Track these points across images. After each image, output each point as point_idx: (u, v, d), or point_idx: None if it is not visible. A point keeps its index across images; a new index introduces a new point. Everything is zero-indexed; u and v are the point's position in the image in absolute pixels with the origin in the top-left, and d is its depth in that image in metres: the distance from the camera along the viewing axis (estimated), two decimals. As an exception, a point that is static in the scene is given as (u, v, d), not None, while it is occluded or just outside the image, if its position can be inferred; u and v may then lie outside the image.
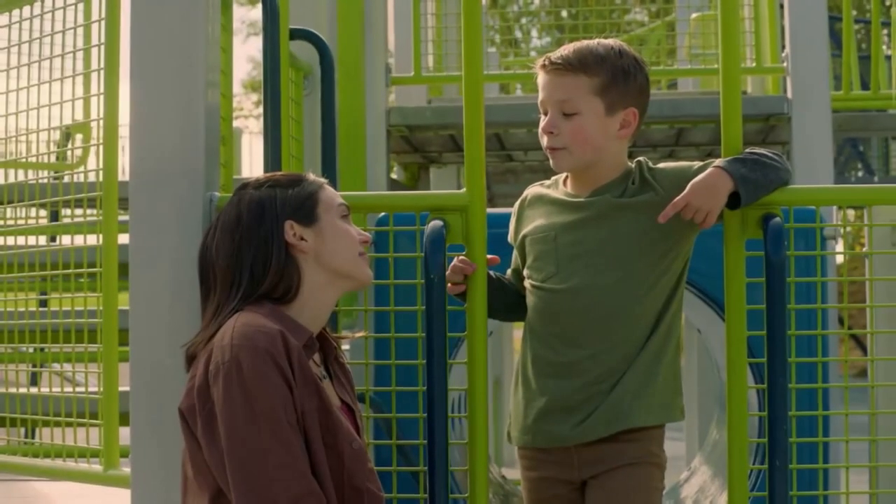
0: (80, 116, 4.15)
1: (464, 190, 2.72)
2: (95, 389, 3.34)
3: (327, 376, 2.58)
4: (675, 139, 6.91)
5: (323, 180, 2.62)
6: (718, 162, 2.59)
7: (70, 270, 3.48)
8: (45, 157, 5.93)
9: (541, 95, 2.67)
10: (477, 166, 2.68)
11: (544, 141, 2.66)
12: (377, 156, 5.89)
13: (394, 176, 7.20)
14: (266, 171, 3.62)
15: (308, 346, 2.47)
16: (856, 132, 8.35)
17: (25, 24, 3.80)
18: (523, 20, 24.38)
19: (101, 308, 3.28)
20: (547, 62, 2.65)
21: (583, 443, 2.61)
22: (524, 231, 2.75)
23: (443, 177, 7.85)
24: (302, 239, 2.52)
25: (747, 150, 2.63)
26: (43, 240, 4.19)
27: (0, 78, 3.82)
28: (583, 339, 2.62)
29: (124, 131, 3.00)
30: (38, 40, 3.73)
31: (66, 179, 4.17)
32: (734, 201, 2.58)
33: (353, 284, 2.60)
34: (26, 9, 3.76)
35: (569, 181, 2.73)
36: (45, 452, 3.68)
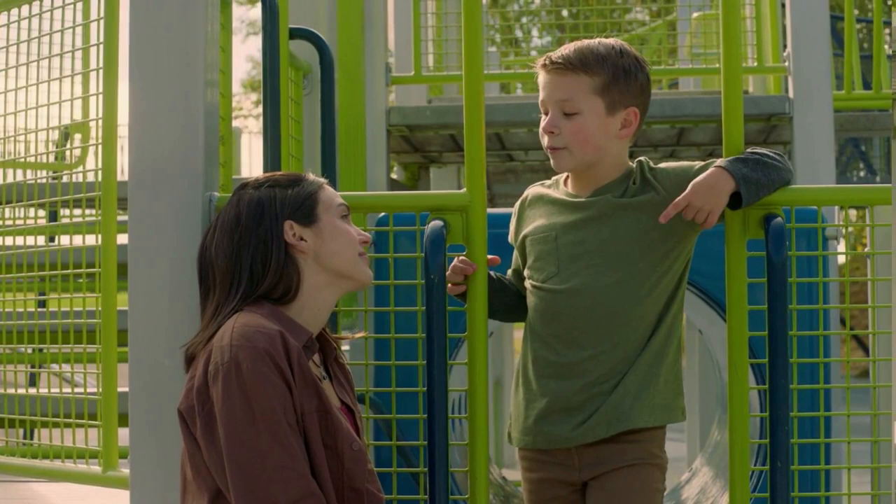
0: (78, 116, 4.13)
1: (464, 190, 2.71)
2: (94, 390, 3.32)
3: (327, 377, 2.58)
4: (676, 139, 6.90)
5: (322, 180, 2.61)
6: (720, 162, 2.58)
7: (69, 271, 3.46)
8: (44, 157, 5.92)
9: (541, 95, 2.66)
10: (477, 166, 2.67)
11: (545, 141, 2.65)
12: (377, 156, 5.88)
13: (394, 176, 7.19)
14: (266, 170, 3.61)
15: (308, 347, 2.46)
16: (858, 132, 8.32)
17: (24, 24, 3.79)
18: (524, 19, 24.40)
19: (99, 308, 3.27)
20: (548, 61, 2.64)
21: (584, 444, 2.61)
22: (525, 231, 2.74)
23: (443, 177, 7.85)
24: (301, 239, 2.51)
25: (749, 150, 2.62)
26: (42, 240, 4.18)
27: (-1, 77, 3.82)
28: (584, 340, 2.61)
29: (123, 131, 2.99)
30: (36, 39, 3.72)
31: (65, 179, 4.17)
32: (735, 201, 2.57)
33: (353, 285, 2.59)
34: (25, 8, 3.75)
35: (569, 181, 2.72)
36: (43, 453, 3.66)
